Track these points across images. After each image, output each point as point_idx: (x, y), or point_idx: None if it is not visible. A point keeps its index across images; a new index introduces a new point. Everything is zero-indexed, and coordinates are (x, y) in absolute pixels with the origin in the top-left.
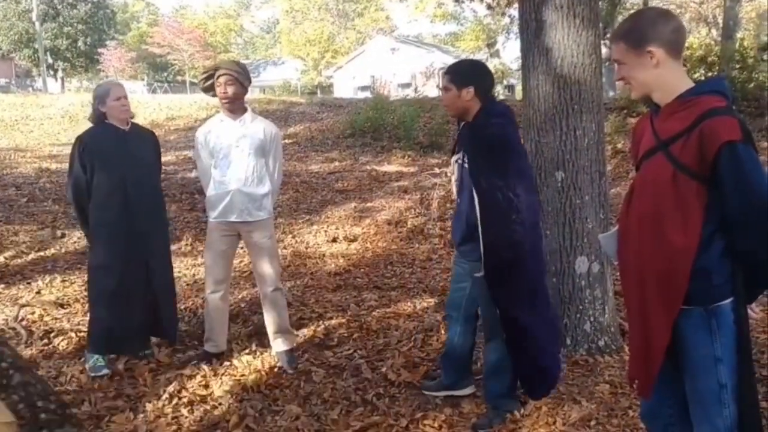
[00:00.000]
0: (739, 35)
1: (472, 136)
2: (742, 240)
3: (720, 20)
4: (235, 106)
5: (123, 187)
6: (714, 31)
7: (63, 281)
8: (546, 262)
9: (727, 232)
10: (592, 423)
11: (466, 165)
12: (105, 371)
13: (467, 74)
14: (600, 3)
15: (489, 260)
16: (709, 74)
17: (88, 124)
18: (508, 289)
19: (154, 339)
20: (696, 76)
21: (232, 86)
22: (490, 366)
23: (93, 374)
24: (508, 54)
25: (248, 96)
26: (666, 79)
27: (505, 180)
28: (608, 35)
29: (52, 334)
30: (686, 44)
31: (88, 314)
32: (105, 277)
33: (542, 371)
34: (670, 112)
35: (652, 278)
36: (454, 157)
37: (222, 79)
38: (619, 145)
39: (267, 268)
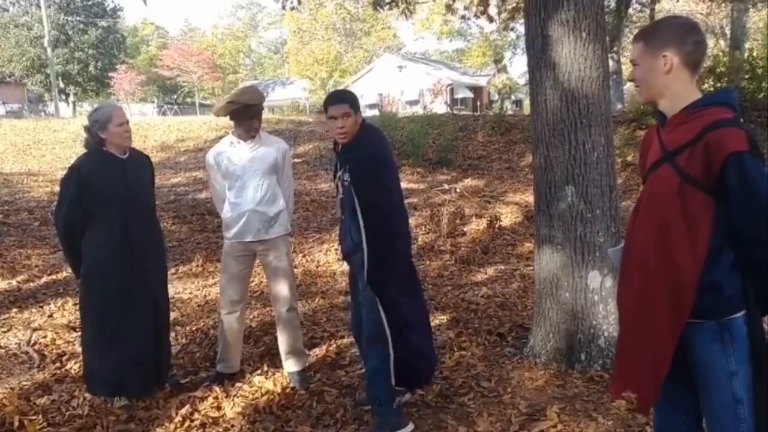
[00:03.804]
0: (747, 45)
1: (356, 156)
2: (749, 253)
3: (728, 31)
4: (255, 135)
5: (123, 220)
6: (722, 42)
7: (75, 304)
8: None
9: (735, 244)
10: None
11: (346, 182)
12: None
13: (357, 101)
14: (606, 17)
15: (373, 265)
16: (718, 85)
17: None
18: (390, 288)
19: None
20: (705, 87)
21: (260, 120)
22: (370, 370)
23: (127, 413)
24: (516, 69)
25: None
26: (675, 88)
27: (381, 192)
28: (615, 49)
29: (64, 358)
30: None
31: (83, 354)
32: (105, 316)
33: (425, 360)
34: (677, 123)
35: (659, 292)
36: (338, 176)
37: (256, 114)
38: (629, 158)
39: (282, 289)
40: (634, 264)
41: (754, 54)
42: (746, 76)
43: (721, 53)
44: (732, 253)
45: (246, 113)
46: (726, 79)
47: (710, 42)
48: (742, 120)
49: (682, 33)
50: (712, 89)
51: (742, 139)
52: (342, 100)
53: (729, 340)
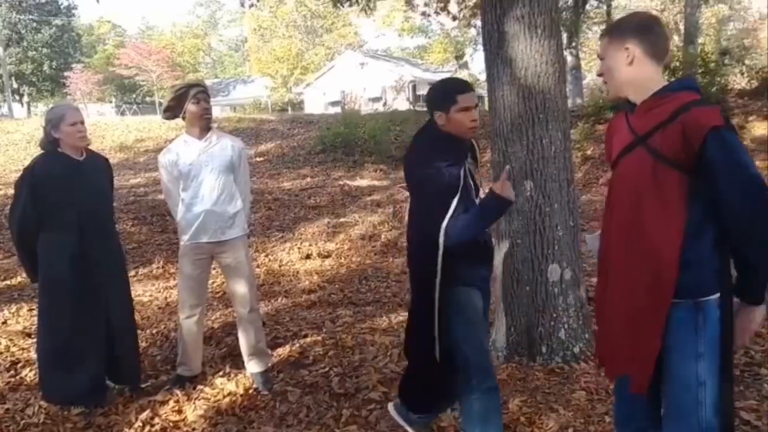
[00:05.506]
0: (700, 41)
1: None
2: (736, 226)
3: (681, 26)
4: (208, 124)
5: (78, 224)
6: (676, 37)
7: (30, 310)
8: None
9: (715, 223)
10: (570, 431)
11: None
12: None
13: None
14: (564, 13)
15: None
16: (672, 79)
17: None
18: None
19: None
20: None
21: (208, 102)
22: (479, 414)
23: (84, 420)
24: (477, 65)
25: (218, 115)
26: (640, 77)
27: None
28: (573, 44)
29: (19, 365)
30: None
31: (38, 361)
32: (58, 324)
33: None
34: (646, 108)
35: (641, 274)
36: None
37: (201, 96)
38: (589, 152)
39: (242, 289)
40: (614, 249)
41: (707, 49)
42: (699, 71)
43: (675, 48)
44: (710, 233)
45: (192, 94)
46: (680, 73)
47: None
48: None
49: (642, 26)
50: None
51: (718, 114)
52: (472, 88)
53: (702, 321)
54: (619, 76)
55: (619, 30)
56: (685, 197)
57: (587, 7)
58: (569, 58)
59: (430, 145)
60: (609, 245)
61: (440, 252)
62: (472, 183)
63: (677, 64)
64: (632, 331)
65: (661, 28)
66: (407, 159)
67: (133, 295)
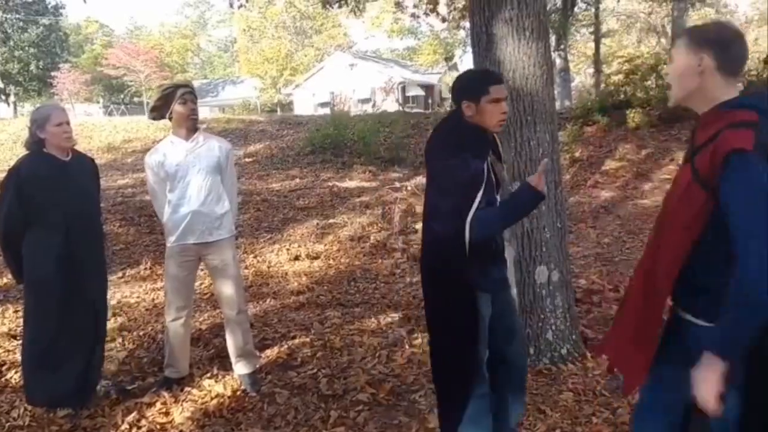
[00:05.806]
0: None
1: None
2: (734, 246)
3: (669, 30)
4: (195, 125)
5: (64, 224)
6: (663, 41)
7: (15, 311)
8: None
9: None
10: None
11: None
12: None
13: None
14: (553, 15)
15: None
16: (660, 82)
17: None
18: None
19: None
20: (647, 84)
21: (195, 103)
22: (470, 417)
23: (70, 422)
24: (466, 67)
25: (207, 115)
26: (707, 90)
27: None
28: (562, 47)
29: (4, 367)
30: (637, 53)
31: (23, 363)
32: (44, 324)
33: None
34: (705, 122)
35: (652, 280)
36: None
37: (188, 96)
38: (577, 154)
39: (230, 291)
40: (647, 251)
41: None
42: None
43: (663, 51)
44: (729, 263)
45: (179, 95)
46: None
47: (652, 41)
48: None
49: (723, 39)
50: (654, 87)
51: (749, 138)
52: (503, 80)
53: None
54: (686, 84)
55: (698, 36)
56: (707, 218)
57: (576, 9)
58: (558, 61)
59: (455, 136)
60: (648, 245)
61: (467, 250)
62: (494, 178)
63: (665, 66)
64: (632, 330)
65: (744, 44)
66: (428, 148)
67: (120, 297)
